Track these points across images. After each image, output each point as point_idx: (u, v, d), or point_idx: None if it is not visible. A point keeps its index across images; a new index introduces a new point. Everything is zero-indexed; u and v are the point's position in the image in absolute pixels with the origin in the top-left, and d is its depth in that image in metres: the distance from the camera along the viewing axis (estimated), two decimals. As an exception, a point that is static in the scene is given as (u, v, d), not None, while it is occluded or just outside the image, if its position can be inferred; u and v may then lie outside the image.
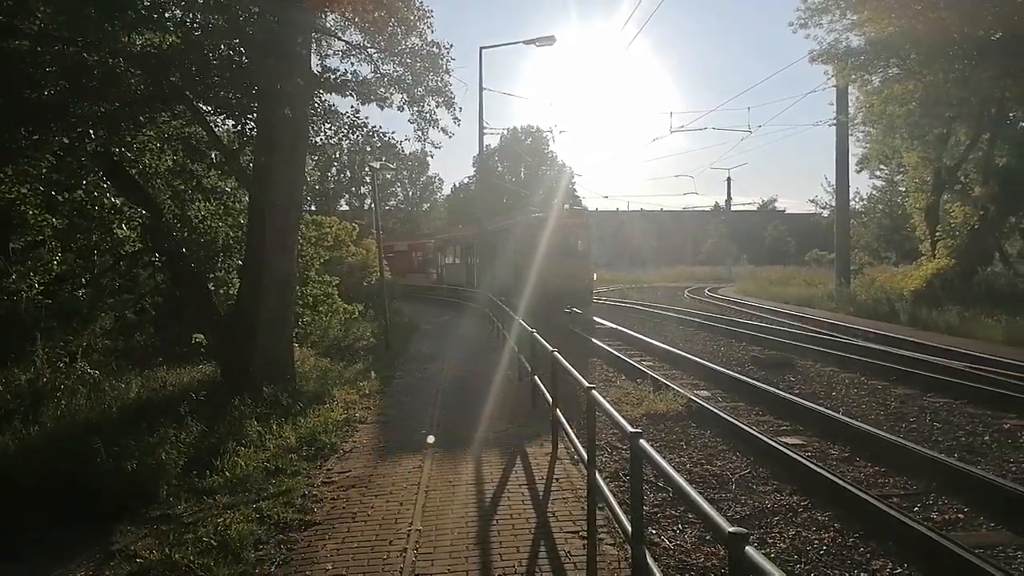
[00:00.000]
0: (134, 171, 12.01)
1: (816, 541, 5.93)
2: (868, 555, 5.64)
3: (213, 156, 12.62)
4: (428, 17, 12.79)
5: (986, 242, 25.34)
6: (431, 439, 8.97)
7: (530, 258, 23.00)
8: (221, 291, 13.81)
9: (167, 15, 10.27)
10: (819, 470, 7.22)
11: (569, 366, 7.13)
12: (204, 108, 11.44)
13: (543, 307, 21.14)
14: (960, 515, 6.34)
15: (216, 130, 12.59)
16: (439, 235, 46.93)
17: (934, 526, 5.94)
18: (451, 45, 13.08)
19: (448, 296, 35.96)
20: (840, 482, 6.83)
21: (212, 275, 13.16)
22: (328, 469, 7.95)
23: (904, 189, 32.31)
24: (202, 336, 13.69)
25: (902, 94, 23.78)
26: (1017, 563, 5.43)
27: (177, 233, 12.02)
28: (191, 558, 5.60)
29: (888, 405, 10.80)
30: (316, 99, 11.90)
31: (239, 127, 11.49)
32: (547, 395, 8.63)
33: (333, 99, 12.34)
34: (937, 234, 26.02)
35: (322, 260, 19.35)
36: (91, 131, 9.96)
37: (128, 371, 12.36)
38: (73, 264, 11.85)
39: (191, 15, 10.62)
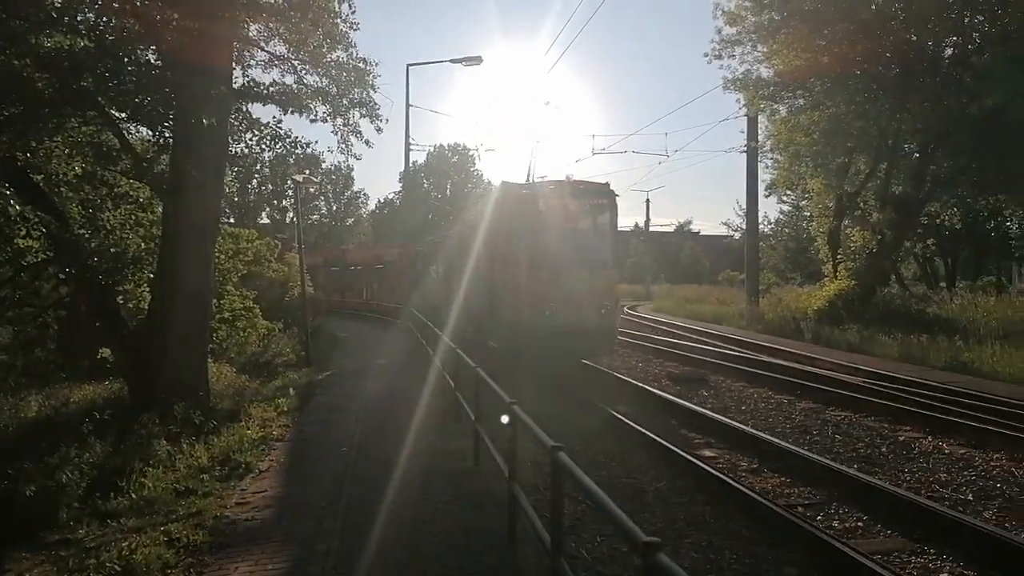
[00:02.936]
0: (39, 178, 11.43)
1: (727, 550, 6.16)
2: (776, 562, 5.90)
3: (126, 164, 12.14)
4: (355, 29, 12.77)
5: (883, 265, 26.87)
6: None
7: (514, 270, 14.37)
8: (130, 304, 13.25)
9: (79, 18, 9.87)
10: (730, 481, 7.51)
11: (492, 382, 7.19)
12: (117, 114, 11.02)
13: (542, 354, 13.47)
14: (860, 523, 6.72)
15: (130, 137, 12.14)
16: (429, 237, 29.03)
17: (836, 534, 6.28)
18: (377, 63, 13.10)
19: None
20: (749, 493, 7.13)
21: (121, 288, 12.61)
22: (242, 489, 7.73)
23: (809, 214, 33.99)
24: (108, 351, 13.09)
25: (807, 124, 25.09)
26: (911, 567, 5.79)
27: (84, 244, 11.48)
28: (93, 584, 5.35)
29: (793, 418, 11.32)
30: (237, 108, 11.66)
31: (155, 135, 11.13)
32: (470, 412, 8.66)
33: (255, 108, 12.09)
34: (839, 257, 27.43)
35: (240, 274, 18.82)
36: (-7, 135, 9.46)
37: (28, 388, 11.70)
38: (-33, 275, 11.15)
39: (105, 19, 10.24)
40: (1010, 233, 38.41)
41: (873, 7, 22.03)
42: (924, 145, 23.74)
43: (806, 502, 7.30)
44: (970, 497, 7.43)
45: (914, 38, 22.59)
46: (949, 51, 23.30)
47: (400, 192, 65.79)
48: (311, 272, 50.74)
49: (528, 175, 18.24)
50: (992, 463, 8.52)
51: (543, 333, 13.40)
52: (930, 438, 9.82)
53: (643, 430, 9.91)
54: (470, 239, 17.85)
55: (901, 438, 9.88)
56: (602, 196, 15.09)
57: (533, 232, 14.30)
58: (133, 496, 7.38)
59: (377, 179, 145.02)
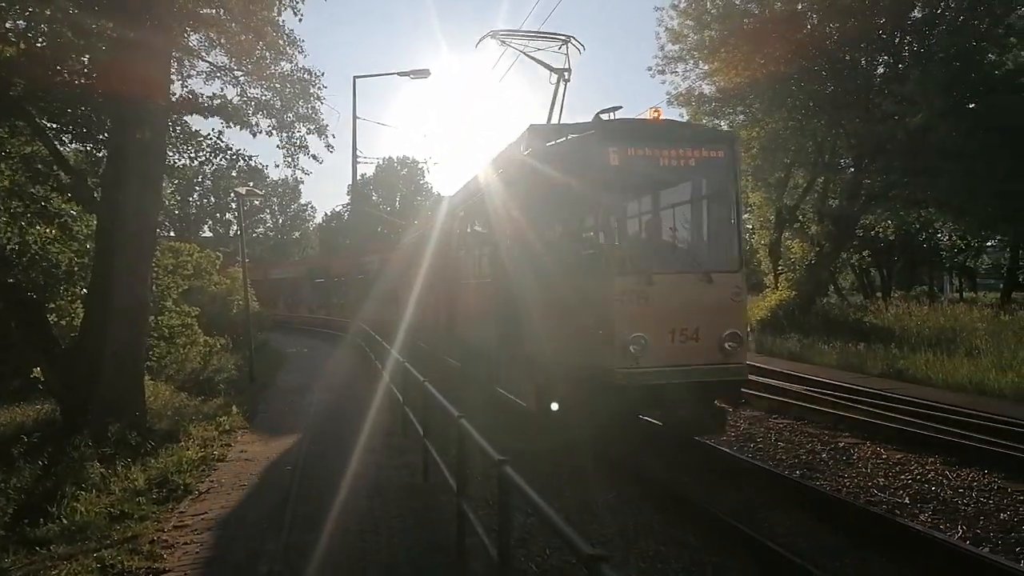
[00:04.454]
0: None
1: (675, 560, 6.20)
2: (723, 570, 5.96)
3: (59, 176, 11.72)
4: (300, 43, 12.65)
5: (821, 275, 27.74)
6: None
7: (563, 274, 8.90)
8: (63, 322, 12.75)
9: (8, 24, 9.52)
10: (676, 490, 7.59)
11: (439, 396, 7.13)
12: (49, 125, 10.64)
13: (620, 421, 8.58)
14: (802, 528, 6.84)
15: (63, 149, 11.73)
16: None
17: (779, 539, 6.38)
18: (322, 73, 13.00)
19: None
20: (695, 501, 7.21)
21: (53, 304, 12.13)
22: (181, 512, 7.48)
23: (751, 226, 34.89)
24: (39, 370, 12.56)
25: (748, 139, 25.83)
26: (850, 570, 5.92)
27: (13, 258, 11.03)
28: (19, 616, 5.09)
29: (738, 426, 11.49)
30: (176, 120, 11.39)
31: (88, 146, 10.78)
32: (418, 426, 8.57)
33: (196, 120, 11.87)
34: (779, 268, 28.20)
35: (180, 290, 18.30)
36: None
37: (-51, 411, 11.15)
38: None
39: (36, 26, 9.90)
40: (940, 245, 40.12)
41: (808, 27, 22.84)
42: (858, 160, 24.64)
43: (750, 509, 7.40)
44: (907, 500, 7.64)
45: (847, 58, 23.49)
46: (881, 70, 24.31)
47: (348, 205, 65.20)
48: (292, 285, 49.45)
49: (550, 119, 11.81)
50: (927, 467, 8.79)
51: (626, 387, 7.88)
52: (868, 444, 10.08)
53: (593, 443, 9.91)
54: (464, 229, 12.58)
55: (841, 444, 10.12)
56: (721, 145, 8.85)
57: (603, 207, 8.43)
58: (64, 521, 7.09)
59: (324, 192, 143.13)
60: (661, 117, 9.00)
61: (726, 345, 8.24)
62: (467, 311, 12.44)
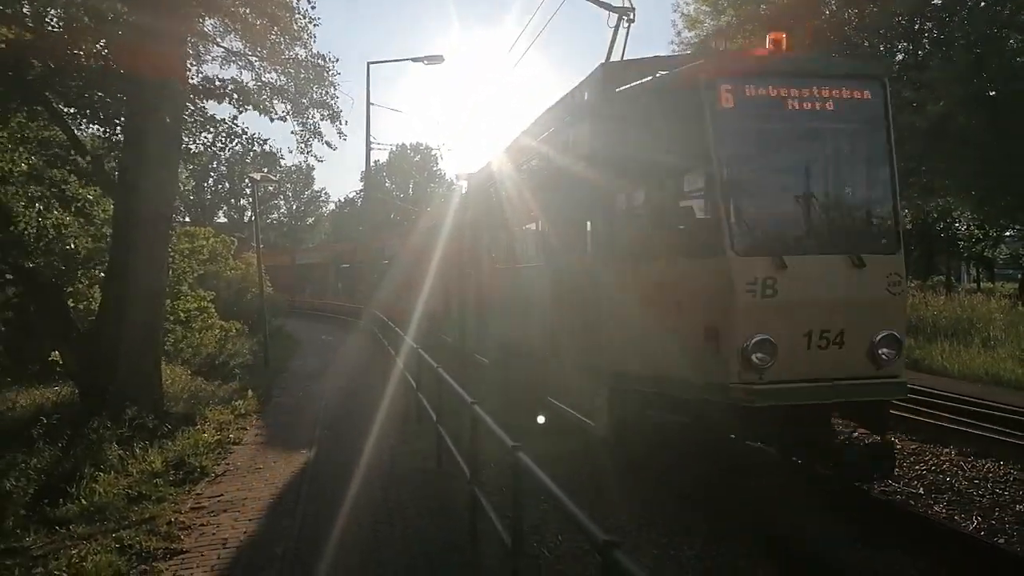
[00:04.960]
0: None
1: (687, 547, 6.22)
2: (732, 557, 5.97)
3: (76, 161, 11.80)
4: (316, 24, 12.62)
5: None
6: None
7: (657, 257, 6.90)
8: (81, 306, 12.88)
9: (24, 9, 9.57)
10: (684, 483, 7.58)
11: (453, 382, 7.16)
12: (66, 110, 10.71)
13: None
14: (812, 518, 6.82)
15: (80, 134, 11.82)
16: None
17: (787, 527, 6.38)
18: (337, 59, 13.00)
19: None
20: (705, 494, 7.21)
21: (71, 288, 12.26)
22: (198, 494, 7.59)
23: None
24: (58, 354, 12.73)
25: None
26: (861, 560, 5.93)
27: (31, 243, 11.14)
28: (40, 594, 5.19)
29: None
30: (192, 105, 11.43)
31: (105, 131, 10.85)
32: (431, 412, 8.61)
33: (212, 105, 11.89)
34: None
35: (196, 274, 18.44)
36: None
37: (-29, 393, 11.32)
38: (-93, 276, 10.76)
39: (51, 11, 9.95)
40: (958, 234, 39.62)
41: (826, 13, 22.57)
42: (876, 148, 24.35)
43: (761, 498, 7.38)
44: (921, 491, 7.61)
45: (866, 44, 23.20)
46: (900, 57, 23.98)
47: (362, 191, 65.30)
48: (318, 270, 49.22)
49: (609, 57, 9.46)
50: (942, 458, 8.74)
51: (746, 409, 6.10)
52: (883, 434, 10.02)
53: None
54: (499, 205, 10.73)
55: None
56: (871, 83, 6.86)
57: (714, 165, 6.29)
58: (83, 502, 7.19)
59: (338, 177, 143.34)
60: (785, 46, 6.81)
61: (880, 352, 6.35)
62: (503, 302, 10.79)
